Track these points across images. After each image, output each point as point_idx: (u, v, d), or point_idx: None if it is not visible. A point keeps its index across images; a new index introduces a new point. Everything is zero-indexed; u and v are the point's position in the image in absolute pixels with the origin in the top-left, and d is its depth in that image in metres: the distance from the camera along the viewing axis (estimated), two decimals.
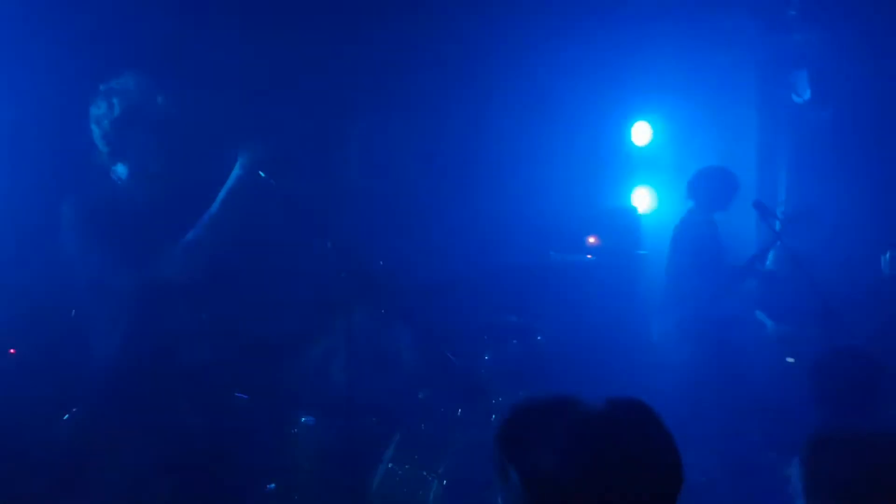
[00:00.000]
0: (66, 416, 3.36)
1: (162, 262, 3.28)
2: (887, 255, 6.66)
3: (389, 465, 4.04)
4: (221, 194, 3.30)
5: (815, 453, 2.31)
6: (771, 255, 6.27)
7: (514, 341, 5.19)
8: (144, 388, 3.29)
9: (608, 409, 1.75)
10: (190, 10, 4.24)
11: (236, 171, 3.30)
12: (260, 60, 4.59)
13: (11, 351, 3.56)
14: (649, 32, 6.49)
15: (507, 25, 5.84)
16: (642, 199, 7.11)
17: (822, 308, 5.05)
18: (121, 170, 3.35)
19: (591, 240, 6.69)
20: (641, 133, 7.09)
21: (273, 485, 3.85)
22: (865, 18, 6.34)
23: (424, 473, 4.05)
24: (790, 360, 6.02)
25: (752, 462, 4.48)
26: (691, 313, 5.76)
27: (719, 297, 5.79)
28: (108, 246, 3.25)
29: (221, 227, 3.35)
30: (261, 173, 3.35)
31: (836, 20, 6.62)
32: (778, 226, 5.84)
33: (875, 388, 3.38)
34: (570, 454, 1.68)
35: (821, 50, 6.88)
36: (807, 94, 6.88)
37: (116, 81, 3.30)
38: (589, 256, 6.33)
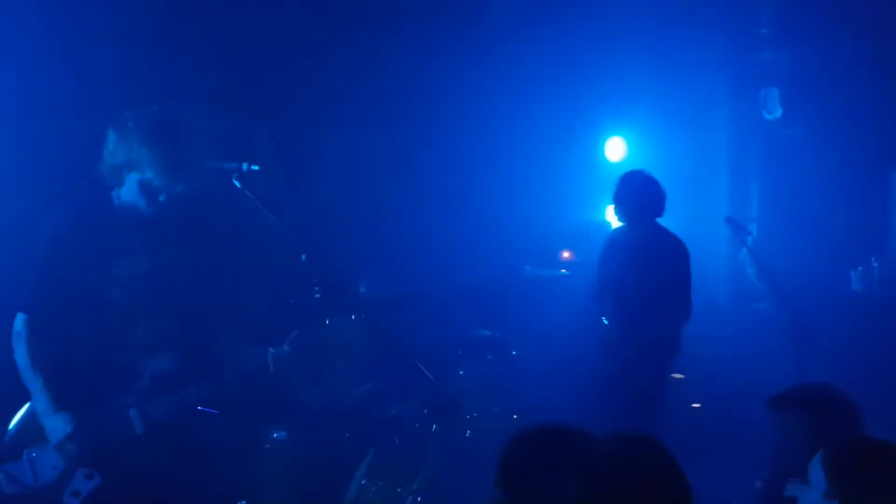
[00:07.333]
0: None
1: (135, 274, 3.25)
2: (858, 269, 6.75)
3: (363, 482, 4.01)
4: None
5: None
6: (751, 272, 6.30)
7: (489, 356, 5.19)
8: (111, 400, 3.24)
9: (618, 447, 1.66)
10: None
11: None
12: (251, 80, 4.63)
13: None
14: (624, 50, 6.55)
15: (482, 42, 5.86)
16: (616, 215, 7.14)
17: (795, 323, 5.08)
18: (119, 185, 3.29)
19: (566, 254, 6.71)
20: (615, 148, 7.14)
21: (244, 501, 3.80)
22: (834, 38, 6.44)
23: (398, 490, 4.02)
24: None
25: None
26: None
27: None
28: (87, 254, 3.22)
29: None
30: (236, 183, 3.32)
31: (806, 40, 6.72)
32: (750, 241, 5.87)
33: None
34: (578, 496, 1.60)
35: (791, 68, 6.98)
36: (778, 112, 6.98)
37: (140, 109, 3.25)
38: (563, 271, 6.35)
